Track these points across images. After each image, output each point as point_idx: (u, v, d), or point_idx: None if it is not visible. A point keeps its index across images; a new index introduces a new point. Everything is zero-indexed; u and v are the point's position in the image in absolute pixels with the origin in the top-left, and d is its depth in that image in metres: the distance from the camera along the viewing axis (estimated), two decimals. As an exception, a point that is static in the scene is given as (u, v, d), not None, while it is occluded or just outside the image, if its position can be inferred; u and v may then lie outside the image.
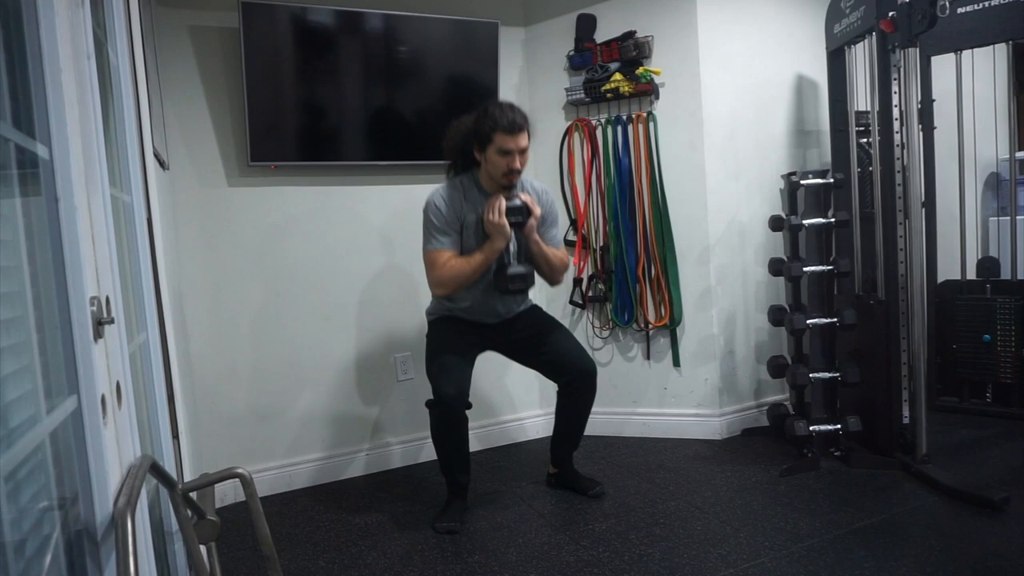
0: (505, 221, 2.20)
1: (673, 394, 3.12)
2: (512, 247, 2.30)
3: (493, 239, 2.22)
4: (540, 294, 3.16)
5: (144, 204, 1.52)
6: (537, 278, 2.36)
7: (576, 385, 2.42)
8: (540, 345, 2.43)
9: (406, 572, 2.06)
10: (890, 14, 2.40)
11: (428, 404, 2.30)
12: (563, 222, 3.09)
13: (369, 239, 2.93)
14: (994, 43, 3.10)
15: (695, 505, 2.38)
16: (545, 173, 3.21)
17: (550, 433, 2.63)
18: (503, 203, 2.20)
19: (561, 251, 2.43)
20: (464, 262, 2.25)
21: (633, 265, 3.08)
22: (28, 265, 0.80)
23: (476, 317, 2.40)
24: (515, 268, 2.26)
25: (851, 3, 2.67)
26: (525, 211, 2.23)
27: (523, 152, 2.21)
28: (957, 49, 3.11)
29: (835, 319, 2.69)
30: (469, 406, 2.28)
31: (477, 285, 2.32)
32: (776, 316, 2.86)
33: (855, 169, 2.84)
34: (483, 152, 2.24)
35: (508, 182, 2.24)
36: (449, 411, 2.24)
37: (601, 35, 3.06)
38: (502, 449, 3.15)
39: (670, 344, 3.10)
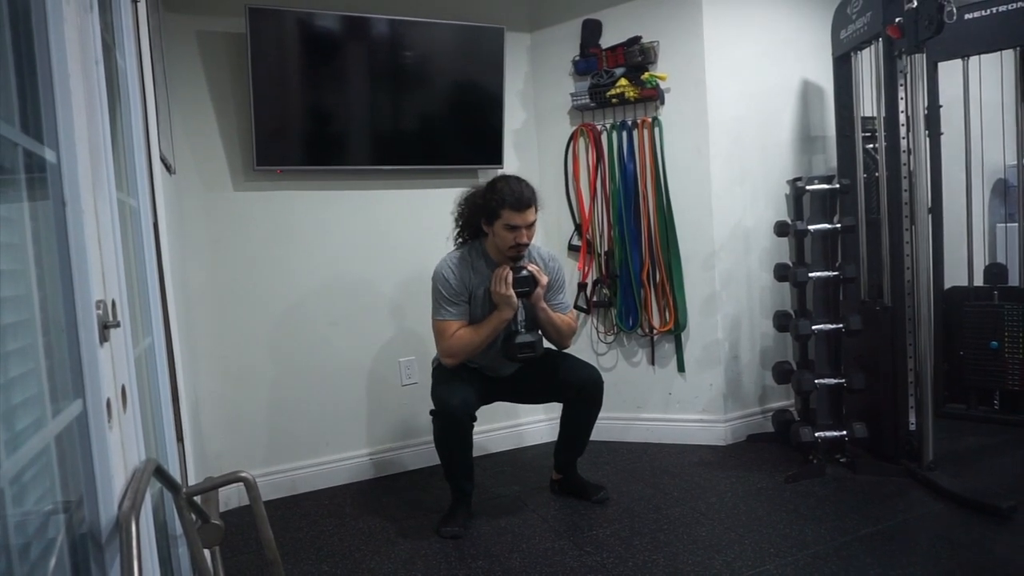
0: (512, 292, 2.25)
1: (678, 399, 3.11)
2: (520, 315, 2.34)
3: (500, 309, 2.27)
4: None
5: (150, 208, 1.52)
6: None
7: (583, 395, 2.42)
8: (546, 378, 2.45)
9: (410, 577, 2.06)
10: (897, 20, 2.40)
11: (432, 413, 2.31)
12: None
13: (375, 244, 2.94)
14: (1001, 49, 3.10)
15: (699, 511, 2.37)
16: (550, 178, 3.22)
17: (554, 438, 2.63)
18: (510, 275, 2.25)
19: (569, 316, 2.46)
20: (473, 332, 2.29)
21: (638, 270, 3.07)
22: (35, 268, 0.81)
23: (483, 370, 2.46)
24: (523, 337, 2.32)
25: (857, 9, 2.67)
26: (532, 282, 2.27)
27: (529, 227, 2.26)
28: (964, 55, 3.11)
29: (841, 325, 2.68)
30: (475, 418, 2.29)
31: (487, 351, 2.36)
32: (781, 322, 2.85)
33: (861, 175, 2.83)
34: (490, 226, 2.28)
35: (515, 254, 2.29)
36: (453, 420, 2.24)
37: (607, 40, 3.06)
38: (506, 454, 3.15)
39: (675, 349, 3.09)
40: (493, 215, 2.25)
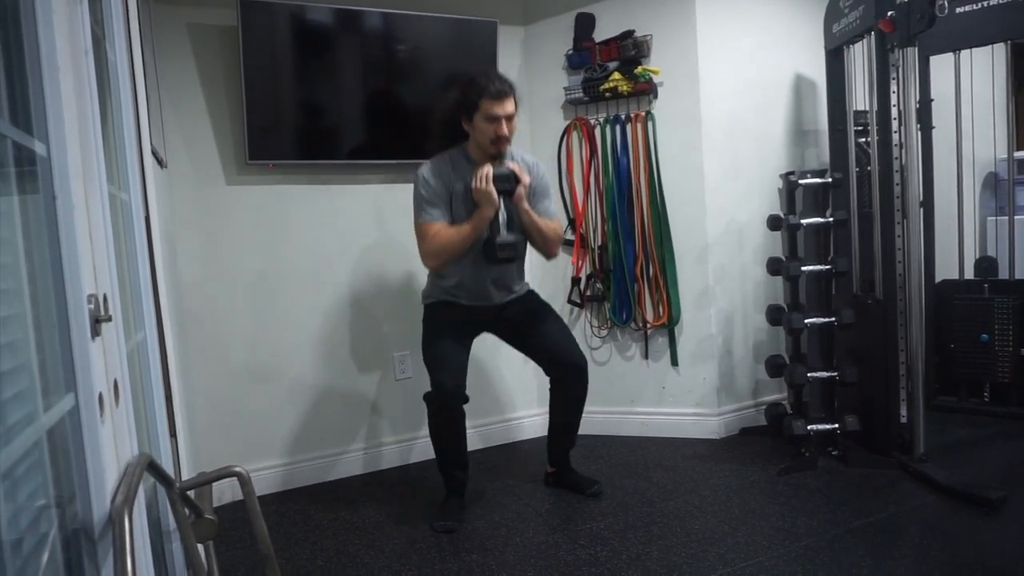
0: (492, 188, 2.20)
1: (671, 393, 3.12)
2: (502, 216, 2.29)
3: (481, 207, 2.22)
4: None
5: (142, 202, 1.52)
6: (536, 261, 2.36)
7: (566, 381, 2.43)
8: (532, 332, 2.44)
9: (404, 571, 2.06)
10: (889, 14, 2.40)
11: (426, 397, 2.32)
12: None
13: (368, 238, 2.93)
14: (993, 43, 3.10)
15: (693, 504, 2.39)
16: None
17: (547, 432, 2.63)
18: (490, 171, 2.21)
19: (555, 222, 2.42)
20: (454, 231, 2.25)
21: (631, 264, 3.08)
22: (26, 263, 0.80)
23: (470, 300, 2.38)
24: (504, 237, 2.26)
25: (850, 2, 2.67)
26: (513, 178, 2.23)
27: (510, 119, 2.23)
28: (956, 49, 3.11)
29: (833, 318, 2.69)
30: (466, 399, 2.30)
31: (467, 261, 2.30)
32: (774, 315, 2.86)
33: (853, 169, 2.84)
34: (471, 121, 2.25)
35: (496, 150, 2.26)
36: (447, 406, 2.26)
37: (600, 34, 3.06)
38: (500, 448, 3.15)
39: (668, 343, 3.10)
40: (472, 107, 2.22)
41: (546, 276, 3.18)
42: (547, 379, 2.52)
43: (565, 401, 2.48)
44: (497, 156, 2.27)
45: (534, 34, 3.20)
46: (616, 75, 2.97)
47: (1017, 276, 3.10)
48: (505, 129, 2.22)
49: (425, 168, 2.31)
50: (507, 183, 2.22)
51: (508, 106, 2.20)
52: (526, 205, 2.28)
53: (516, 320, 2.45)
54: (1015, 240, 3.10)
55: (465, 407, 2.32)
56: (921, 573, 1.84)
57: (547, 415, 2.57)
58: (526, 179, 2.26)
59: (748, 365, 3.15)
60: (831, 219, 2.73)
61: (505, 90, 2.20)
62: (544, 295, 3.19)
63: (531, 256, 2.51)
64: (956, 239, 3.23)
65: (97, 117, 1.02)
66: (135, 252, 1.42)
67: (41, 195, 0.83)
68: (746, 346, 3.13)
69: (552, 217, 2.42)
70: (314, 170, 2.82)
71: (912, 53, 2.40)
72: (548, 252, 2.43)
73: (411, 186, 2.95)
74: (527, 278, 2.55)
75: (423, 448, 3.00)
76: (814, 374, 2.70)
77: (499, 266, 2.33)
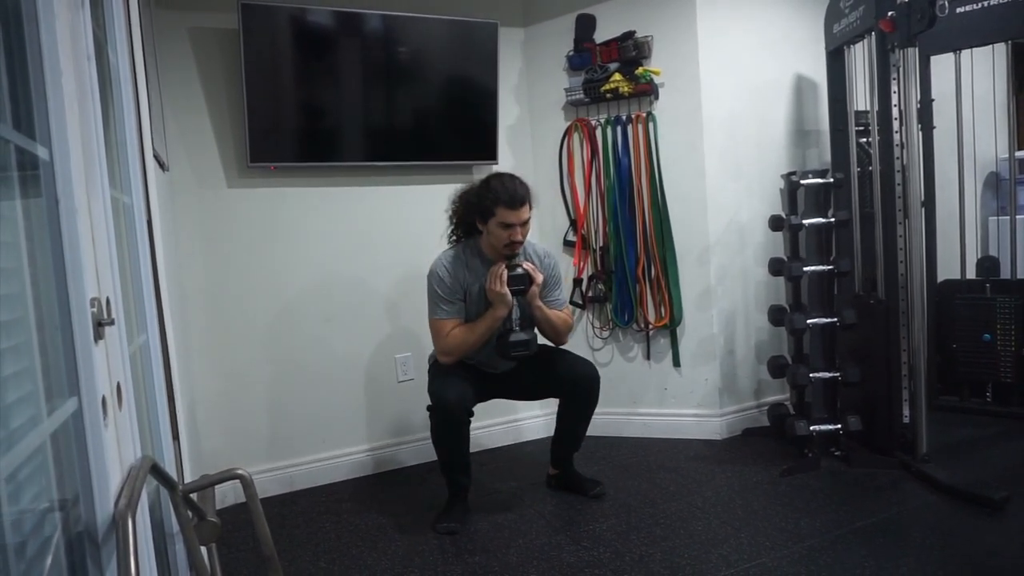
0: (507, 290, 2.25)
1: (673, 394, 3.12)
2: (515, 313, 2.34)
3: (495, 307, 2.27)
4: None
5: (144, 205, 1.52)
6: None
7: (579, 391, 2.42)
8: (543, 374, 2.45)
9: (407, 573, 2.06)
10: (889, 14, 2.40)
11: (429, 409, 2.31)
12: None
13: (369, 240, 2.93)
14: (993, 42, 3.10)
15: (696, 505, 2.38)
16: (545, 174, 3.22)
17: (550, 434, 2.63)
18: (505, 272, 2.25)
19: (565, 312, 2.47)
20: (468, 330, 2.30)
21: (633, 265, 3.08)
22: (29, 266, 0.80)
23: (480, 367, 2.45)
24: (517, 335, 2.32)
25: (850, 3, 2.67)
26: (527, 279, 2.27)
27: (524, 224, 2.25)
28: (956, 49, 3.11)
29: (835, 319, 2.69)
30: (471, 413, 2.29)
31: (482, 347, 2.36)
32: (776, 316, 2.86)
33: (855, 169, 2.84)
34: (485, 224, 2.28)
35: (510, 252, 2.29)
36: (449, 415, 2.24)
37: (600, 35, 3.06)
38: (502, 450, 3.15)
39: (670, 344, 3.10)
40: (487, 213, 2.25)
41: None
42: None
43: (575, 410, 2.48)
44: (510, 256, 2.31)
45: (535, 35, 3.20)
46: (617, 76, 2.98)
47: (1019, 276, 3.09)
48: (519, 235, 2.25)
49: (439, 265, 2.35)
50: (521, 283, 2.27)
51: (523, 214, 2.24)
52: (539, 302, 2.33)
53: (524, 375, 2.47)
54: (1017, 240, 3.10)
55: (470, 416, 2.32)
56: (924, 573, 1.84)
57: (549, 416, 2.57)
58: (539, 278, 2.30)
59: (750, 365, 3.14)
60: (833, 219, 2.73)
61: (520, 198, 2.23)
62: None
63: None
64: (958, 239, 3.23)
65: (99, 121, 1.02)
66: (137, 255, 1.42)
67: (44, 199, 0.83)
68: (748, 346, 3.13)
69: (562, 306, 2.48)
70: (315, 172, 2.83)
71: (913, 53, 2.40)
72: (558, 341, 2.47)
73: (411, 187, 2.98)
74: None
75: (425, 450, 2.99)
76: (816, 374, 2.70)
77: (512, 362, 2.39)
